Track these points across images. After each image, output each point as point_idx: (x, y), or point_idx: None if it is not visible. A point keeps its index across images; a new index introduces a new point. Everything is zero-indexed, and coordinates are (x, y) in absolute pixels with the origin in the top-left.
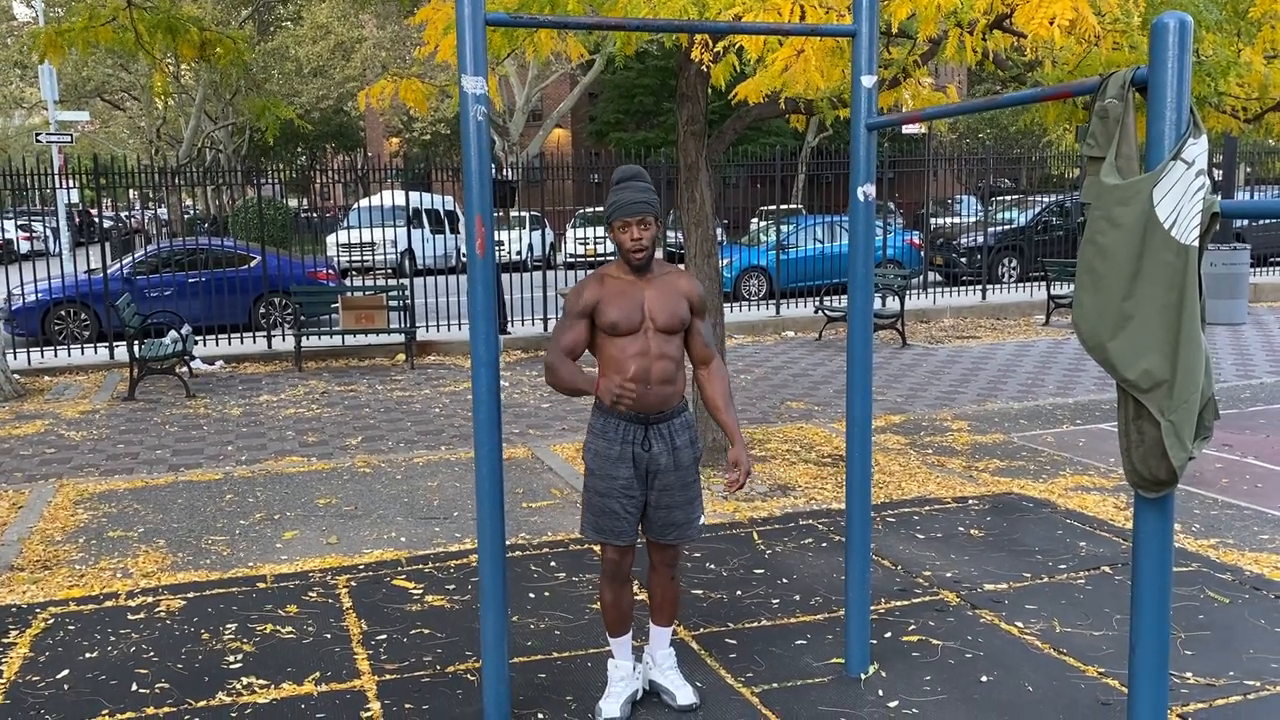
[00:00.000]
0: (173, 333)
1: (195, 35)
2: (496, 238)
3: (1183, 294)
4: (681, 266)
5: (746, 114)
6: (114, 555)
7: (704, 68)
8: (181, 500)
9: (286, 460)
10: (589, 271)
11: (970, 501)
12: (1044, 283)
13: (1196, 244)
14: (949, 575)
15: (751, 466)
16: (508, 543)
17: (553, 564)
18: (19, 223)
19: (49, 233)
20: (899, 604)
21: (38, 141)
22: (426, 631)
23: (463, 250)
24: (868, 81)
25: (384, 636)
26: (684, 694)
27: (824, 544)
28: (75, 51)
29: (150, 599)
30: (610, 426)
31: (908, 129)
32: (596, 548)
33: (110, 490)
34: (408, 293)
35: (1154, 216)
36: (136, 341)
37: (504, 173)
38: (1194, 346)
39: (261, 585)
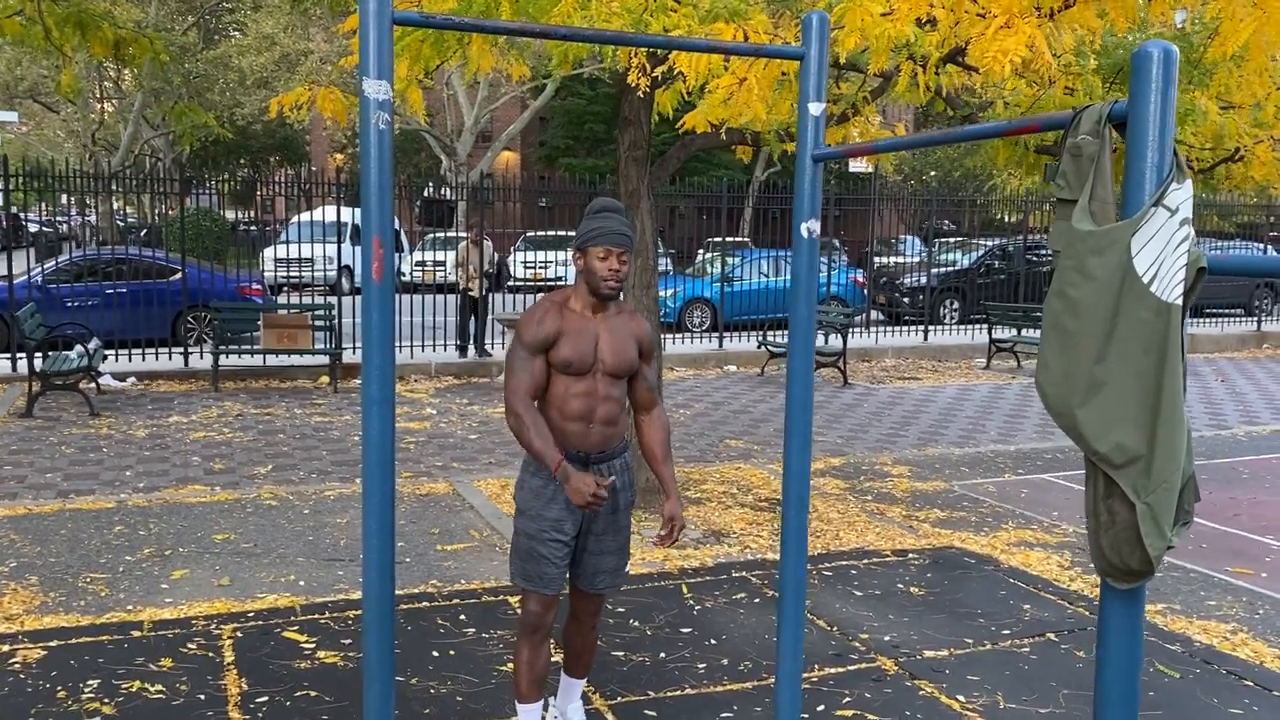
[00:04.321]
0: (78, 346)
1: (108, 33)
2: (438, 258)
3: (1163, 358)
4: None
5: (691, 143)
6: None
7: (641, 93)
8: (65, 531)
9: (188, 489)
10: (538, 296)
11: (910, 555)
12: (985, 325)
13: (1180, 302)
14: (887, 639)
15: (684, 523)
16: (416, 590)
17: (462, 618)
18: None
19: None
20: (833, 671)
21: None
22: (314, 694)
23: (402, 269)
24: (815, 109)
25: (265, 699)
26: None
27: (756, 599)
28: (7, 48)
29: (6, 648)
30: None
31: (854, 166)
32: (514, 600)
33: None
34: (334, 312)
35: (1132, 269)
36: (39, 354)
37: (442, 191)
38: (1175, 419)
39: (136, 634)
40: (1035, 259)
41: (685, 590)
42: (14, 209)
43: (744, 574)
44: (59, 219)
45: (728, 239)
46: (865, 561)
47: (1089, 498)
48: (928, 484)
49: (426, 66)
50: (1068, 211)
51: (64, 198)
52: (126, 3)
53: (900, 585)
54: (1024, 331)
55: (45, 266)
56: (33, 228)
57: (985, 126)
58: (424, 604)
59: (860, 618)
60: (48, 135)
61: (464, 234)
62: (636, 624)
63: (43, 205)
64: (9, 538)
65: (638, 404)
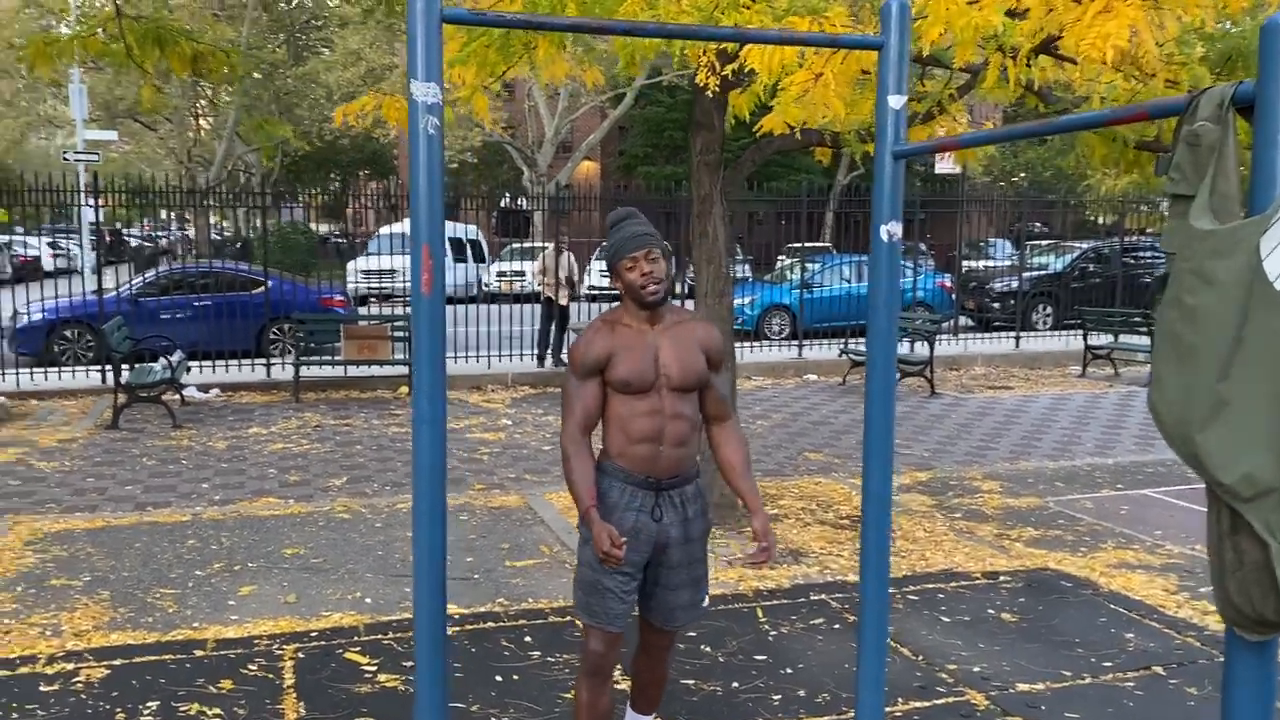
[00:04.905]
0: (163, 359)
1: (186, 48)
2: (516, 268)
3: None
4: (690, 305)
5: (766, 145)
6: (49, 608)
7: (709, 93)
8: (139, 544)
9: (262, 501)
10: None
11: (1002, 578)
12: (1080, 332)
13: None
14: (977, 670)
15: (776, 539)
16: (482, 609)
17: (527, 639)
18: (48, 240)
19: (78, 250)
20: (918, 705)
21: (64, 160)
22: None
23: (485, 279)
24: (895, 102)
25: None
26: None
27: (836, 625)
28: (109, 70)
29: (71, 665)
30: (614, 489)
31: (941, 168)
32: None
33: (67, 530)
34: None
35: (1261, 273)
36: (125, 367)
37: (518, 201)
38: None
39: (200, 653)
40: (1132, 261)
41: (760, 614)
42: (117, 224)
43: (823, 597)
44: (158, 233)
45: (808, 244)
46: (953, 584)
47: (1211, 534)
48: (1020, 500)
49: (493, 72)
50: (1184, 208)
51: (163, 213)
52: (219, 24)
53: (991, 610)
54: (1121, 337)
55: (133, 281)
56: (133, 242)
57: (1085, 115)
58: (489, 624)
59: (948, 646)
60: (146, 153)
61: (540, 244)
62: (708, 649)
63: (144, 220)
64: (86, 550)
65: (710, 416)
